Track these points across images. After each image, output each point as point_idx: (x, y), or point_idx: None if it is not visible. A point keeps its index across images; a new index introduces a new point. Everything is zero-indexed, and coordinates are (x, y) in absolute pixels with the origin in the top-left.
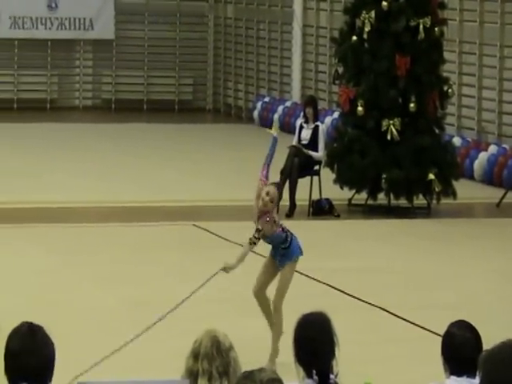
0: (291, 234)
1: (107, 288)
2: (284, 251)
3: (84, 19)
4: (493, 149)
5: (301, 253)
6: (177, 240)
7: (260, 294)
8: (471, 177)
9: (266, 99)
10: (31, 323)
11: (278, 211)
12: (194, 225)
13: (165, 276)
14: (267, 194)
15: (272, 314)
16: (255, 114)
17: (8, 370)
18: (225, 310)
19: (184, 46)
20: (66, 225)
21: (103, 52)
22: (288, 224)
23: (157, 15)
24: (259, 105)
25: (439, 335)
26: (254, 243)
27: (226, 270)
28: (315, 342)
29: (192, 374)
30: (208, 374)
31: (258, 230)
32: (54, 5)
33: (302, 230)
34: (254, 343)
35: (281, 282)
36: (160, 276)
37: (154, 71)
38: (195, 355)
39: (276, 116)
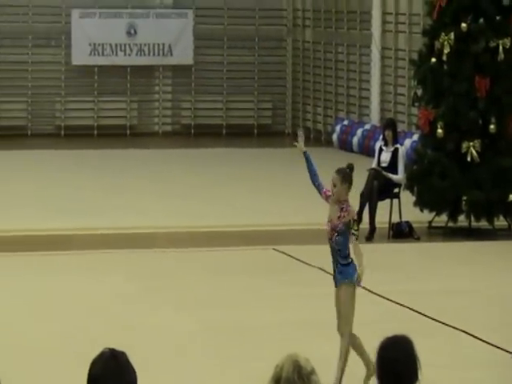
0: (352, 259)
1: (188, 312)
2: (342, 268)
3: (163, 45)
4: None
5: (357, 280)
6: (257, 264)
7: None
8: None
9: (345, 122)
10: (114, 349)
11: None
12: (274, 249)
13: (246, 300)
14: (333, 185)
15: (364, 350)
16: (334, 137)
17: None
18: (307, 334)
19: (263, 71)
20: (147, 250)
21: (182, 77)
22: (368, 247)
23: (235, 40)
24: (338, 128)
25: None
26: (357, 236)
27: (359, 279)
28: (398, 364)
29: None
30: None
31: (355, 221)
32: (133, 31)
33: (382, 252)
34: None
35: (342, 308)
36: (241, 300)
37: (233, 96)
38: (277, 380)
39: (300, 131)
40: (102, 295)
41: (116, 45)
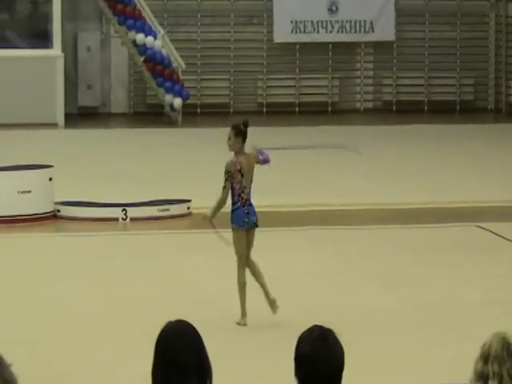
0: (245, 204)
1: (389, 290)
2: (231, 214)
3: (364, 21)
4: None
5: (241, 225)
6: (460, 242)
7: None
8: None
9: None
10: (322, 327)
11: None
12: (478, 226)
13: (448, 278)
14: (228, 138)
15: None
16: None
17: (299, 374)
18: (506, 313)
19: (465, 46)
20: (348, 227)
21: (384, 54)
22: None
23: (437, 15)
24: None
25: None
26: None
27: None
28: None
29: (482, 377)
30: (498, 376)
31: (226, 172)
32: (334, 8)
33: None
34: None
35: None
36: (443, 278)
37: (435, 72)
38: (485, 358)
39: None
40: (305, 273)
41: (317, 22)
